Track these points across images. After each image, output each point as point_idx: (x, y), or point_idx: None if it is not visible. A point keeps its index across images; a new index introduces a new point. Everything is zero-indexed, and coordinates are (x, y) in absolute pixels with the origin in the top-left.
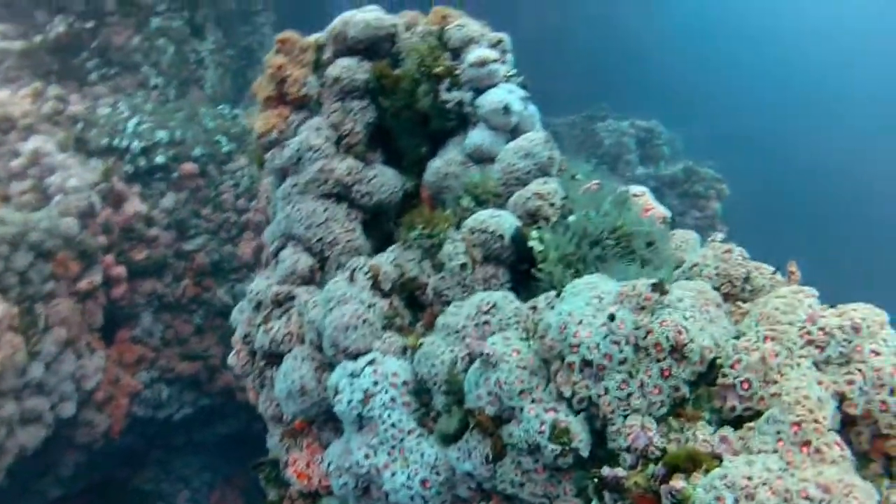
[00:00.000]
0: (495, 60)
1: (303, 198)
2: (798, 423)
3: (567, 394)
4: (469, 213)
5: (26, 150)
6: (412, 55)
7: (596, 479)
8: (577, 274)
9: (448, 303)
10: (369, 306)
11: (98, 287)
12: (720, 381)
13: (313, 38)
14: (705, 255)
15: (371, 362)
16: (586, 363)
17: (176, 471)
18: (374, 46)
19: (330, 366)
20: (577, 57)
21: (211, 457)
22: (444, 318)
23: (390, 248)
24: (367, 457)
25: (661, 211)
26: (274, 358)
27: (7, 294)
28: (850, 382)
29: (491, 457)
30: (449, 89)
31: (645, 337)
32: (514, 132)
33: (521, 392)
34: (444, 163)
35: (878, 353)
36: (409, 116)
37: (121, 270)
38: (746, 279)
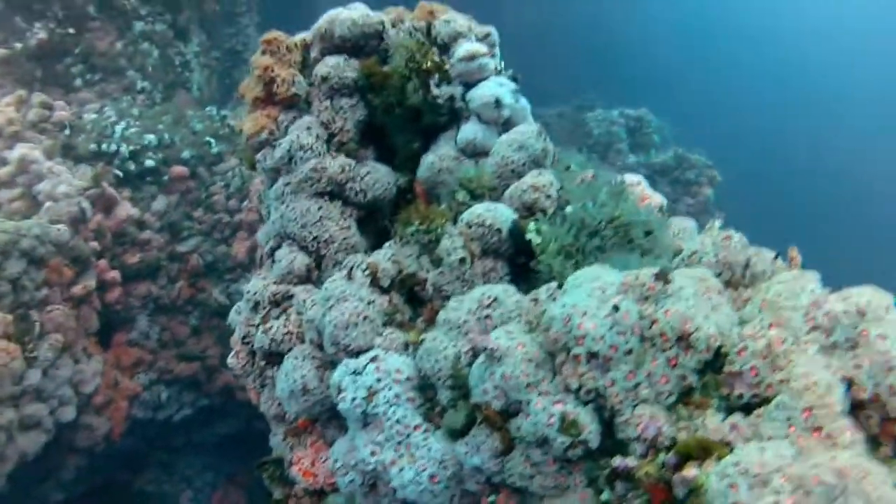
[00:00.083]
0: (484, 54)
1: (296, 197)
2: (809, 409)
3: (574, 386)
4: (465, 207)
5: (13, 157)
6: (400, 51)
7: (607, 470)
8: (577, 265)
9: (448, 298)
10: (369, 303)
11: (92, 292)
12: (726, 368)
13: (299, 37)
14: (704, 243)
15: (373, 359)
16: (592, 355)
17: (178, 471)
18: (362, 44)
19: (331, 364)
20: (563, 48)
21: (212, 456)
22: (445, 313)
23: (387, 245)
24: (373, 454)
25: (658, 199)
26: (274, 357)
27: (1, 302)
28: (858, 367)
29: (500, 450)
30: (439, 84)
31: (650, 327)
32: (506, 125)
33: (528, 385)
34: (438, 158)
35: (884, 337)
36: (400, 113)
37: (115, 274)
38: (747, 266)
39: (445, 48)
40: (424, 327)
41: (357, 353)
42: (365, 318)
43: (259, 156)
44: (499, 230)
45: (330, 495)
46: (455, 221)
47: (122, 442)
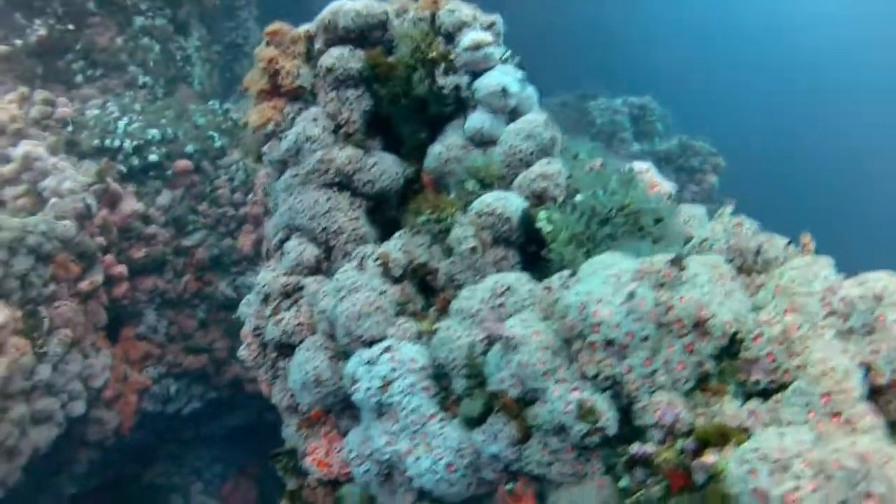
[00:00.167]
0: (489, 43)
1: (304, 188)
2: (827, 394)
3: (591, 373)
4: (474, 196)
5: (17, 154)
6: (405, 41)
7: (625, 457)
8: (588, 253)
9: (460, 287)
10: (381, 293)
11: (99, 287)
12: (742, 354)
13: (303, 28)
14: (715, 230)
15: (387, 349)
16: (609, 342)
17: (187, 464)
18: (366, 34)
19: (344, 354)
20: (564, 44)
21: (222, 448)
22: (459, 302)
23: (397, 235)
24: (388, 443)
25: (667, 187)
26: (285, 349)
27: (9, 298)
28: (875, 352)
29: (517, 438)
30: (445, 74)
31: (666, 313)
32: (513, 114)
33: (545, 373)
34: (445, 147)
35: None
36: (406, 103)
37: (121, 269)
38: (758, 252)
39: (450, 38)
40: (437, 316)
41: (370, 343)
42: (377, 307)
43: (265, 148)
44: (509, 219)
45: (344, 485)
46: (465, 211)
47: (132, 435)
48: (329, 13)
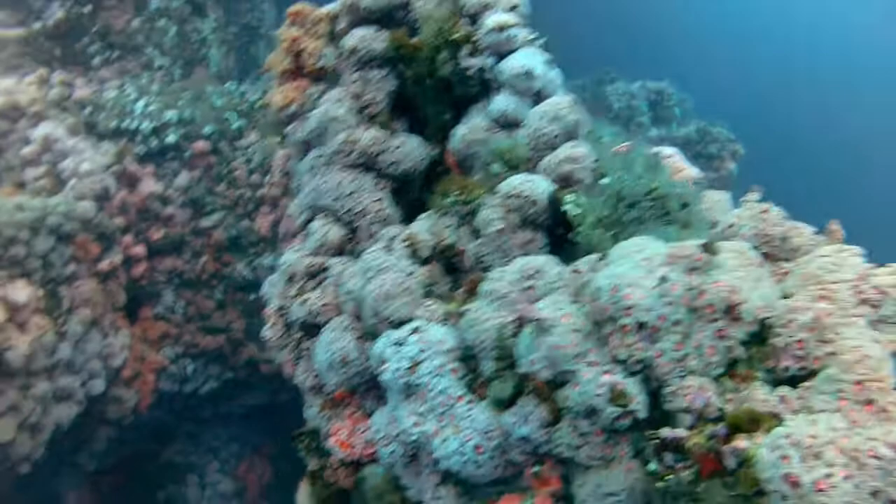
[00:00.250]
0: (513, 25)
1: (329, 169)
2: (860, 382)
3: (622, 356)
4: (500, 178)
5: (37, 136)
6: (429, 23)
7: (655, 441)
8: (616, 237)
9: (487, 268)
10: (409, 274)
11: (118, 267)
12: (772, 340)
13: (326, 9)
14: (741, 216)
15: (415, 330)
16: (640, 325)
17: (204, 443)
18: (389, 15)
19: (371, 335)
20: (586, 21)
21: (238, 428)
22: (488, 284)
23: (424, 216)
24: (416, 424)
25: (692, 172)
26: (310, 329)
27: (31, 278)
28: None
29: (547, 421)
30: (469, 55)
31: (698, 298)
32: (537, 96)
33: (576, 356)
34: (470, 129)
35: None
36: (431, 84)
37: (140, 250)
38: (784, 239)
39: (474, 19)
40: (464, 298)
41: (398, 324)
42: (405, 288)
43: (289, 128)
44: (536, 201)
45: (367, 466)
46: (492, 192)
47: (149, 414)
48: None
